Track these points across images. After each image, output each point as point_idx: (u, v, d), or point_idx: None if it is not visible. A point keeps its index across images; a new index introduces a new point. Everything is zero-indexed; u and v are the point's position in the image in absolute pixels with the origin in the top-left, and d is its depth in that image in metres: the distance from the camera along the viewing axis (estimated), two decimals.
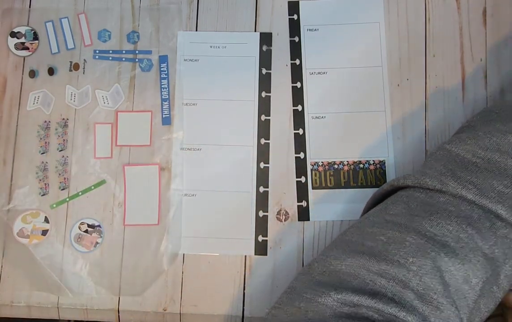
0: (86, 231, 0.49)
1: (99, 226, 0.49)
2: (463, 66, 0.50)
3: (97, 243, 0.48)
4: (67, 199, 0.49)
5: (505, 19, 0.50)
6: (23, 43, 0.52)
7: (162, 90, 0.51)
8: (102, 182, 0.49)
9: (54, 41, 0.52)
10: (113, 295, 0.48)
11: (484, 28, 0.50)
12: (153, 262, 0.48)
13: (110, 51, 0.51)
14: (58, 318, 0.48)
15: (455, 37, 0.50)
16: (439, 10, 0.51)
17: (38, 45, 0.52)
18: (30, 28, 0.52)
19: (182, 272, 0.48)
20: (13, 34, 0.52)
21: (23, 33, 0.52)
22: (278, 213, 0.49)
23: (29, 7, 0.52)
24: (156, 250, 0.48)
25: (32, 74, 0.51)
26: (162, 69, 0.51)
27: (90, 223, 0.49)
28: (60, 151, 0.50)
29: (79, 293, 0.47)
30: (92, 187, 0.49)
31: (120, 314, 0.48)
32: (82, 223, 0.49)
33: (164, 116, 0.50)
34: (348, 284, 0.32)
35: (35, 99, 0.51)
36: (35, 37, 0.52)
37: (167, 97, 0.51)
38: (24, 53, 0.52)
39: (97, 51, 0.51)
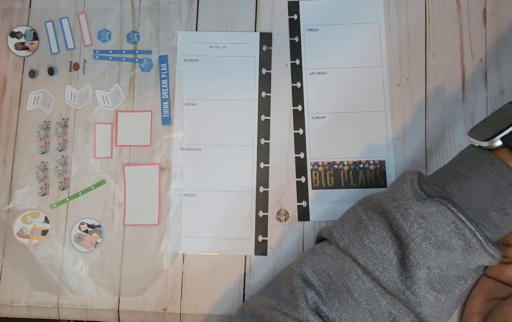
0: (86, 231, 0.49)
1: (99, 226, 0.49)
2: (463, 66, 0.50)
3: (97, 243, 0.48)
4: (67, 199, 0.49)
5: (505, 19, 0.50)
6: (23, 43, 0.52)
7: (162, 90, 0.51)
8: (102, 182, 0.49)
9: (54, 41, 0.52)
10: (113, 295, 0.48)
11: (484, 28, 0.50)
12: (153, 262, 0.48)
13: (110, 51, 0.51)
14: (58, 318, 0.48)
15: (455, 37, 0.50)
16: (439, 10, 0.51)
17: (38, 45, 0.52)
18: (30, 28, 0.52)
19: (182, 272, 0.48)
20: (13, 34, 0.52)
21: (23, 33, 0.52)
22: (278, 213, 0.49)
23: (29, 7, 0.52)
24: (156, 250, 0.48)
25: (32, 74, 0.51)
26: (162, 69, 0.51)
27: (90, 223, 0.49)
28: (60, 151, 0.50)
29: (79, 293, 0.47)
30: (92, 187, 0.49)
31: (120, 314, 0.48)
32: (82, 223, 0.49)
33: (164, 116, 0.50)
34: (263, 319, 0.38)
35: (35, 99, 0.51)
36: (35, 37, 0.52)
37: (167, 97, 0.51)
38: (24, 53, 0.52)
39: (97, 51, 0.51)
